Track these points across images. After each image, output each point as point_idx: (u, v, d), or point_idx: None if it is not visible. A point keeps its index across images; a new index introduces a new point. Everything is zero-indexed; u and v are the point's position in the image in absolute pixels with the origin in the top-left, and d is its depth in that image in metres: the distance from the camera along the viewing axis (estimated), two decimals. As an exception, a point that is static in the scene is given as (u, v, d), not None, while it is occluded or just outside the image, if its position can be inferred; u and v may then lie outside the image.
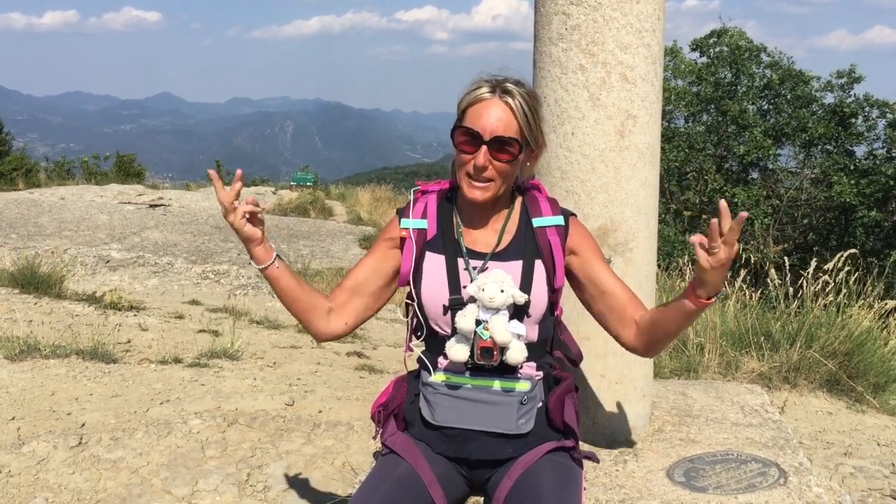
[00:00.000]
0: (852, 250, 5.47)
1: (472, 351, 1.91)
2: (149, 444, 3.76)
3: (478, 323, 1.90)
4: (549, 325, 2.05)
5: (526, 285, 1.95)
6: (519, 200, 2.07)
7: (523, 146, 1.94)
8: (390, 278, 2.06)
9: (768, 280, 5.71)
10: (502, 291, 1.89)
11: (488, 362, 1.90)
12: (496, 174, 1.92)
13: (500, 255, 1.99)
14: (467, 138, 1.91)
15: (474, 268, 1.97)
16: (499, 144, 1.90)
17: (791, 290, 5.47)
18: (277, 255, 1.98)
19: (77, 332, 6.01)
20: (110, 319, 6.75)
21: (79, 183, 21.56)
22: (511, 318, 1.93)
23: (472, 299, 1.92)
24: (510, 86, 1.93)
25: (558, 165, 2.75)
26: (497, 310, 1.90)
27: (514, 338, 1.91)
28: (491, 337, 1.88)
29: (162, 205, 17.06)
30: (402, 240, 2.03)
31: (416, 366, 2.10)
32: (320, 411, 4.42)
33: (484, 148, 1.89)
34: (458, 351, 1.92)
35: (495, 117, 1.90)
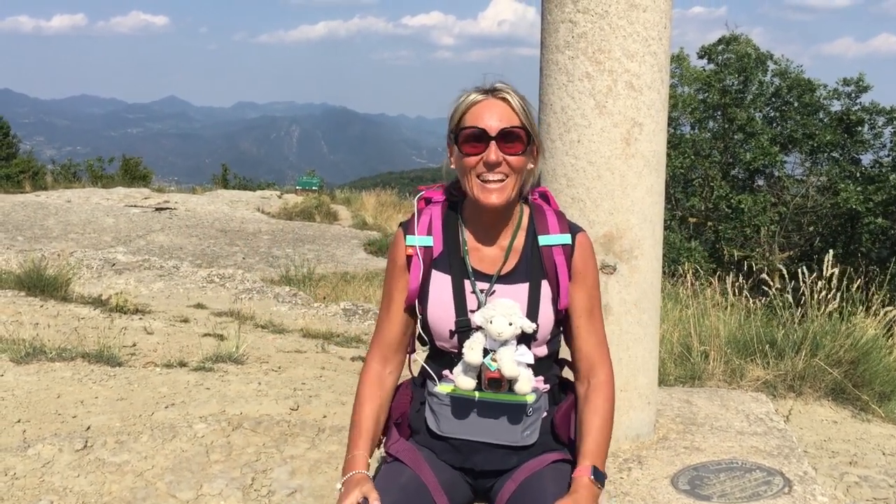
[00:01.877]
0: (832, 251, 5.53)
1: (479, 379, 1.91)
2: (154, 447, 3.76)
3: (485, 352, 1.89)
4: (556, 340, 2.05)
5: (533, 309, 1.93)
6: (526, 214, 2.03)
7: (529, 138, 1.92)
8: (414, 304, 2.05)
9: (772, 287, 5.70)
10: (510, 324, 1.87)
11: (496, 391, 1.90)
12: (509, 169, 1.89)
13: (506, 278, 1.97)
14: (472, 139, 1.89)
15: (481, 290, 1.95)
16: (507, 137, 1.88)
17: (791, 298, 5.47)
18: (363, 469, 1.95)
19: (83, 335, 6.03)
20: (116, 322, 6.77)
21: (85, 186, 21.65)
22: (519, 342, 1.92)
23: (480, 327, 1.91)
24: (501, 85, 1.93)
25: (564, 173, 2.76)
26: (505, 341, 1.89)
27: (522, 368, 1.90)
28: (499, 369, 1.87)
29: (168, 208, 17.12)
30: (409, 257, 2.00)
31: (417, 371, 2.10)
32: (325, 416, 4.43)
33: (493, 143, 1.87)
34: (464, 381, 1.91)
35: (497, 114, 1.89)
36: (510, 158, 1.89)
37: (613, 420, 1.99)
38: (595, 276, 2.03)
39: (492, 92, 1.93)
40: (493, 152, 1.87)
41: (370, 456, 2.00)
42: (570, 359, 2.17)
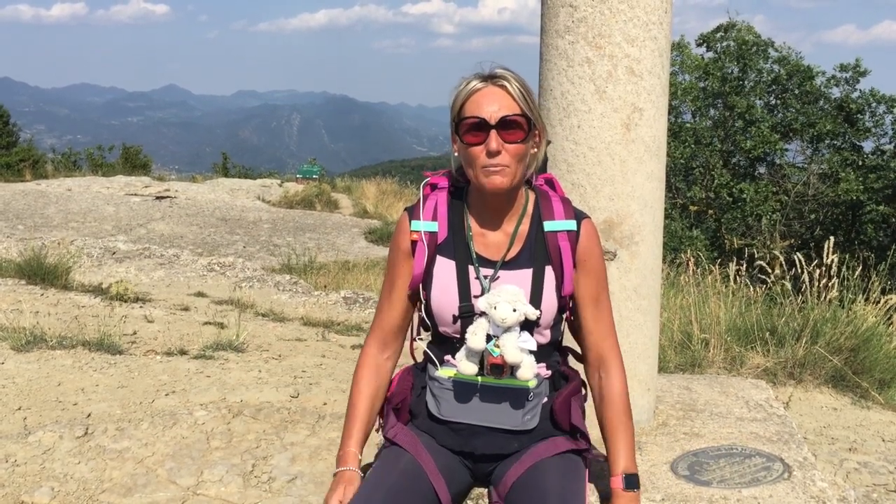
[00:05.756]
0: (832, 238, 5.54)
1: (481, 363, 1.90)
2: (154, 434, 3.77)
3: (488, 338, 1.89)
4: (559, 327, 2.04)
5: (536, 295, 1.93)
6: (531, 200, 2.03)
7: (530, 125, 1.92)
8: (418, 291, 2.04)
9: (772, 275, 5.70)
10: (514, 311, 1.86)
11: (498, 377, 1.90)
12: (510, 158, 1.88)
13: (510, 264, 1.96)
14: (473, 129, 1.88)
15: (485, 276, 1.95)
16: (507, 126, 1.87)
17: (791, 286, 5.47)
18: (354, 467, 1.99)
19: (83, 323, 6.03)
20: (116, 311, 6.77)
21: (85, 174, 21.61)
22: (522, 328, 1.91)
23: (483, 313, 1.90)
24: (500, 71, 1.92)
25: (564, 158, 2.75)
26: (509, 328, 1.89)
27: (525, 354, 1.89)
28: (501, 355, 1.87)
29: (168, 197, 17.10)
30: (414, 242, 2.00)
31: (421, 357, 2.09)
32: (325, 403, 4.43)
33: (493, 132, 1.86)
34: (467, 366, 1.91)
35: (496, 102, 1.88)
36: (510, 147, 1.88)
37: (632, 412, 2.03)
38: (601, 264, 2.03)
39: (491, 79, 1.91)
40: (493, 141, 1.86)
41: (364, 442, 2.02)
42: (577, 349, 2.16)
